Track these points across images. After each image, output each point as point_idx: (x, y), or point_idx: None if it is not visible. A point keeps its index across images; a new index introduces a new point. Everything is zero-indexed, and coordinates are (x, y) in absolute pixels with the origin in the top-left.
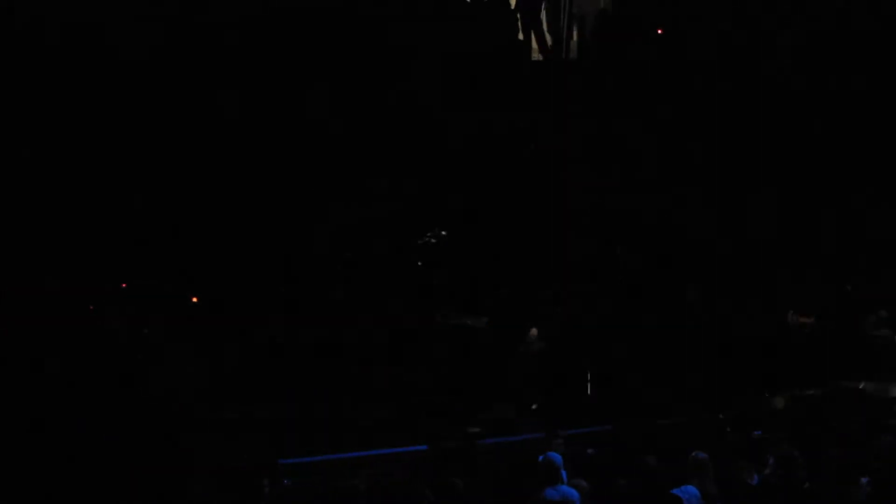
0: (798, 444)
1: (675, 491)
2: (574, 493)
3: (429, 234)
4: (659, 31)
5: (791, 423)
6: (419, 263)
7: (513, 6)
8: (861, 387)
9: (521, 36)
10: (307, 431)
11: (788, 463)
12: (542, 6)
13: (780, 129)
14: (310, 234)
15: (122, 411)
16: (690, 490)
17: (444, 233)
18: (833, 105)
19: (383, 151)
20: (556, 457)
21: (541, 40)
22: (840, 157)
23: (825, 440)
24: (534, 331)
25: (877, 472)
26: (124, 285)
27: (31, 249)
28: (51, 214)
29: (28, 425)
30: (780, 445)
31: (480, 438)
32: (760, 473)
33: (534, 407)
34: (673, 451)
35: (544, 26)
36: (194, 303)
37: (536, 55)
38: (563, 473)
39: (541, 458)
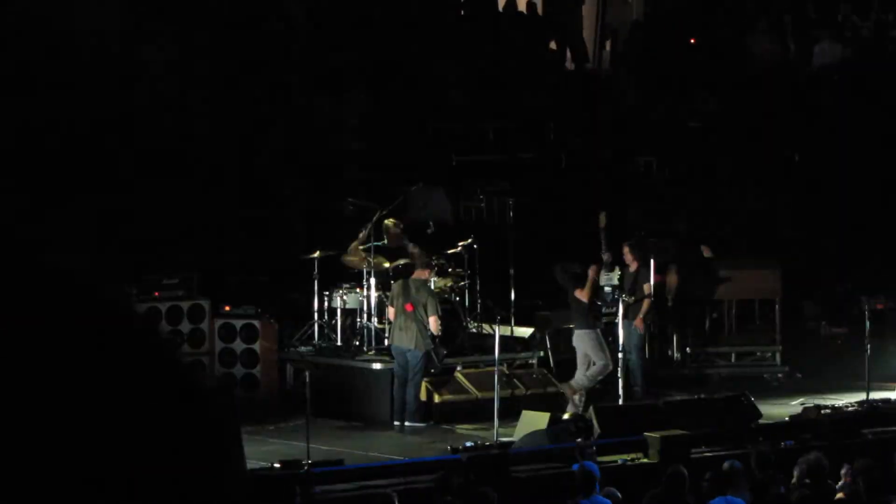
0: (829, 454)
1: (717, 501)
2: (608, 503)
3: (462, 245)
4: (692, 42)
5: (823, 434)
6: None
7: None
8: (894, 397)
9: (553, 46)
10: (338, 437)
11: (818, 473)
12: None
13: (820, 130)
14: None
15: (151, 412)
16: (736, 501)
17: (474, 245)
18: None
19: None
20: (593, 466)
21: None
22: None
23: (858, 451)
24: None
25: None
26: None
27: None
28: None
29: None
30: (810, 455)
31: (513, 447)
32: (790, 483)
33: (565, 416)
34: (704, 461)
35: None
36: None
37: (569, 65)
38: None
39: (576, 466)
